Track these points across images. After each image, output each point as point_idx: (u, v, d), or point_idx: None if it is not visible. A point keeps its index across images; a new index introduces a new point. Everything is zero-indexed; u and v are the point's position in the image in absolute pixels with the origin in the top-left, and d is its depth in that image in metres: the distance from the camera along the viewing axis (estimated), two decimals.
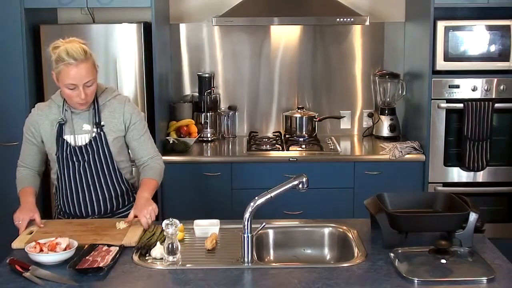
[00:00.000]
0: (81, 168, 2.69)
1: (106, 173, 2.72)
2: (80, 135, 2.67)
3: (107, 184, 2.74)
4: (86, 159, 2.68)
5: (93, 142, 2.67)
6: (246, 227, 2.25)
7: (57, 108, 2.69)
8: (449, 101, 3.84)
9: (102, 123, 2.68)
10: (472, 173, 3.90)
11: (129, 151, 2.82)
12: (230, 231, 2.54)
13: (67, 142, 2.67)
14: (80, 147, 2.67)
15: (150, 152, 2.80)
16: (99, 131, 2.67)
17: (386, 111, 4.29)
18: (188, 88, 4.45)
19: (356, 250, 2.39)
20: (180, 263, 2.25)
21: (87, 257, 2.24)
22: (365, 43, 4.39)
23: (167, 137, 4.05)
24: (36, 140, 2.73)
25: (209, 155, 4.03)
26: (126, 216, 2.71)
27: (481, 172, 3.89)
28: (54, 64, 2.56)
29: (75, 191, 2.72)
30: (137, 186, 2.85)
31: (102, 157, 2.69)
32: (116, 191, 2.77)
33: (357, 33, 4.38)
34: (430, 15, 3.76)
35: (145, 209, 2.55)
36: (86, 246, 2.32)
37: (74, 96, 2.57)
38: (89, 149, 2.67)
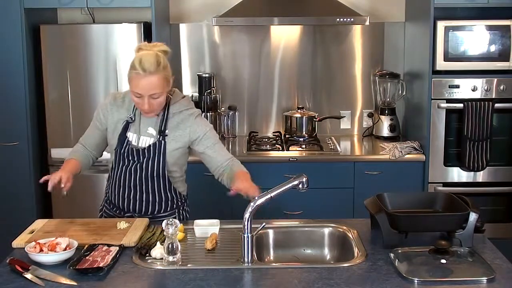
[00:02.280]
0: (133, 167, 2.69)
1: (155, 179, 2.71)
2: (143, 137, 2.68)
3: (153, 189, 2.73)
4: (141, 161, 2.68)
5: (151, 148, 2.67)
6: (246, 227, 2.25)
7: (129, 104, 2.70)
8: (449, 101, 3.84)
9: (166, 131, 2.68)
10: (472, 173, 3.90)
11: (205, 163, 2.76)
12: (230, 231, 2.54)
13: (128, 140, 2.68)
14: (138, 150, 2.67)
15: (227, 156, 2.75)
16: (161, 139, 2.67)
17: (386, 111, 4.29)
18: (188, 88, 4.45)
19: (356, 250, 2.39)
20: (180, 263, 2.25)
21: (87, 257, 2.24)
22: (365, 43, 4.40)
23: None
24: (102, 127, 2.74)
25: None
26: None
27: (481, 172, 3.89)
28: (129, 68, 2.56)
29: (122, 186, 2.73)
30: (185, 195, 2.88)
31: (155, 164, 2.68)
32: (161, 197, 2.75)
33: (357, 33, 4.38)
34: (430, 15, 3.76)
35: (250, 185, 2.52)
36: (86, 246, 2.32)
37: (140, 104, 2.58)
38: (146, 153, 2.67)
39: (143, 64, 2.49)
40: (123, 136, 2.69)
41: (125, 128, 2.69)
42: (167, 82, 2.58)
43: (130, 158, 2.69)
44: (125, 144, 2.68)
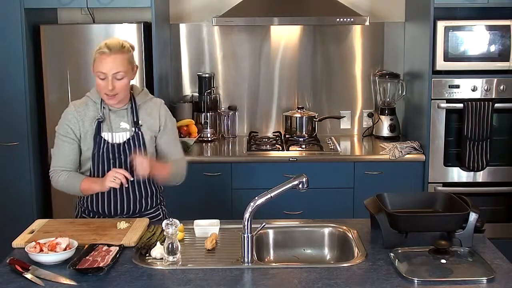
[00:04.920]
0: (116, 166, 2.66)
1: None
2: (118, 133, 2.68)
3: (139, 184, 2.73)
4: (123, 158, 2.67)
5: (131, 141, 2.67)
6: (246, 227, 2.25)
7: (94, 105, 2.69)
8: (449, 101, 3.84)
9: (140, 122, 2.69)
10: (472, 173, 3.89)
11: (157, 152, 2.80)
12: (230, 231, 2.54)
13: (104, 140, 2.66)
14: (118, 145, 2.66)
15: (177, 154, 2.81)
16: (137, 130, 2.68)
17: (386, 111, 4.29)
18: (188, 88, 4.45)
19: (356, 250, 2.39)
20: (180, 263, 2.25)
21: (87, 257, 2.24)
22: (365, 43, 4.39)
23: None
24: (76, 137, 2.68)
25: (209, 155, 4.03)
26: (153, 217, 2.74)
27: (481, 172, 3.88)
28: (94, 53, 2.63)
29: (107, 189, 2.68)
30: (162, 190, 2.88)
31: None
32: (147, 192, 2.76)
33: (357, 33, 4.38)
34: (430, 15, 3.76)
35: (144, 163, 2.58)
36: (86, 246, 2.32)
37: (103, 87, 2.59)
38: (126, 147, 2.67)
39: (108, 44, 2.58)
40: (98, 137, 2.66)
41: (98, 129, 2.66)
42: (131, 66, 2.63)
43: (110, 157, 2.66)
44: (102, 145, 2.66)
